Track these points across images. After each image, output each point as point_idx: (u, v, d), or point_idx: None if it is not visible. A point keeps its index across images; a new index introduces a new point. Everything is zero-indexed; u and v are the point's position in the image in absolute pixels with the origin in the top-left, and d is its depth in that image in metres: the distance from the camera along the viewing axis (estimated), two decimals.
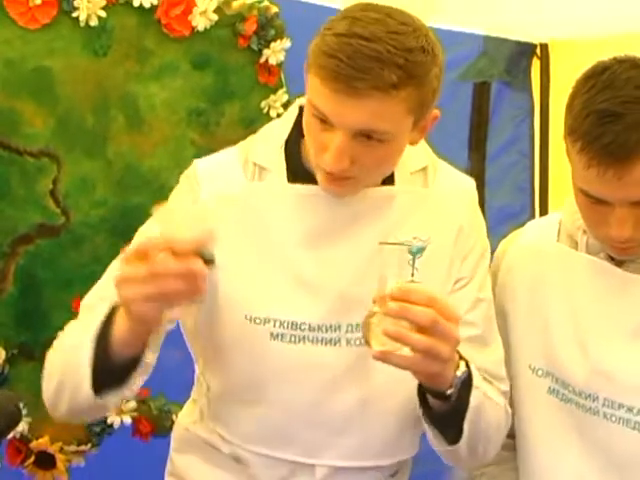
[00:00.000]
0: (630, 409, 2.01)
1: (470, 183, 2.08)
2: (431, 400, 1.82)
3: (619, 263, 2.04)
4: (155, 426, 3.08)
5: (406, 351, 1.67)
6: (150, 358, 1.81)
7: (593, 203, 1.94)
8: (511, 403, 2.14)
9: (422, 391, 1.83)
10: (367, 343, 1.71)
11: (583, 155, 1.87)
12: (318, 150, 1.83)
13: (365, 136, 1.79)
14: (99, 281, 1.97)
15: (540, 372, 2.13)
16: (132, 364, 1.74)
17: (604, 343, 2.04)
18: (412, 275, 1.88)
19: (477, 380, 1.84)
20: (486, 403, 1.87)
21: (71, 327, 1.89)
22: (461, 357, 1.79)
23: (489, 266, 2.11)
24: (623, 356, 2.02)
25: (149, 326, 1.68)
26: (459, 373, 1.77)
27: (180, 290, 1.57)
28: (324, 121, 1.80)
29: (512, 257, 2.22)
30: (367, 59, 1.72)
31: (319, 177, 1.88)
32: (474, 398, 1.82)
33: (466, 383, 1.80)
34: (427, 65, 1.78)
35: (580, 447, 2.08)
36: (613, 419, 2.02)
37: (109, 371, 1.72)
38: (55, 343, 1.88)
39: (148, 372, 1.84)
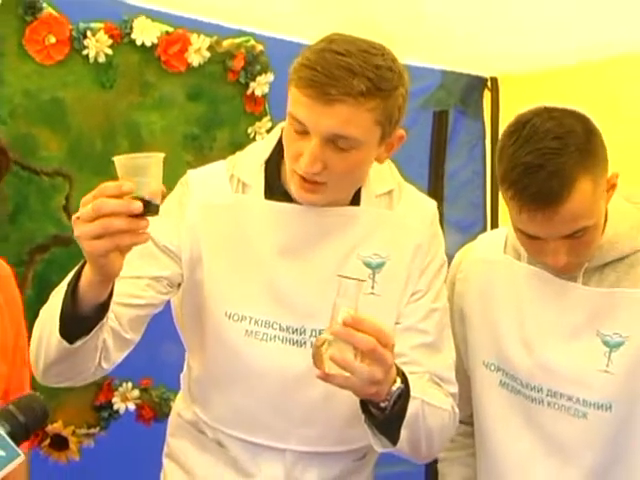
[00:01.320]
0: (570, 398, 2.01)
1: (432, 205, 2.07)
2: (371, 409, 1.79)
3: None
4: (156, 412, 3.07)
5: (348, 375, 1.67)
6: (130, 335, 1.83)
7: (529, 238, 1.96)
8: (469, 394, 2.17)
9: (363, 400, 1.81)
10: (315, 365, 1.69)
11: (515, 202, 1.89)
12: (294, 158, 1.84)
13: (336, 142, 1.79)
14: None
15: (492, 367, 2.13)
16: (99, 314, 1.69)
17: (545, 341, 2.05)
18: (372, 288, 1.92)
19: (415, 391, 1.80)
20: (426, 410, 1.85)
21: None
22: (398, 373, 1.77)
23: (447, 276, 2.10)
24: (562, 352, 2.03)
25: (105, 269, 1.60)
26: (394, 388, 1.75)
27: (122, 228, 1.53)
28: (301, 132, 1.81)
29: (467, 267, 2.22)
30: (340, 69, 1.74)
31: (294, 186, 1.87)
32: (412, 407, 1.79)
33: (403, 395, 1.77)
34: (393, 82, 1.80)
35: (528, 432, 2.08)
36: (556, 407, 2.03)
37: (78, 318, 1.66)
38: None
39: (129, 346, 1.85)
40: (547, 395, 2.05)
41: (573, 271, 2.01)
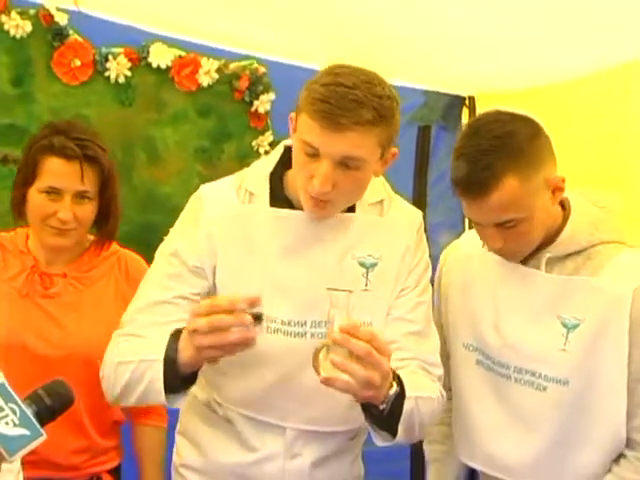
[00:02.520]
0: (533, 374, 2.03)
1: (417, 213, 2.09)
2: (371, 410, 1.79)
3: (524, 261, 2.07)
4: None
5: (346, 378, 1.66)
6: None
7: (476, 225, 2.03)
8: (449, 373, 2.17)
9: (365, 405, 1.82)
10: (316, 370, 1.70)
11: (456, 192, 1.97)
12: (306, 179, 1.85)
13: (345, 164, 1.81)
14: (141, 288, 1.99)
15: (470, 348, 2.15)
16: (193, 378, 1.82)
17: (512, 323, 2.07)
18: (366, 285, 1.93)
19: (409, 390, 1.81)
20: (419, 404, 1.84)
21: (129, 337, 1.92)
22: (394, 377, 1.77)
23: (433, 270, 2.11)
24: (526, 333, 2.04)
25: (208, 361, 1.76)
26: (391, 392, 1.75)
27: (234, 340, 1.66)
28: (312, 155, 1.82)
29: (451, 261, 2.25)
30: (350, 102, 1.77)
31: (305, 203, 1.89)
32: (407, 405, 1.79)
33: (400, 396, 1.78)
34: (393, 109, 1.83)
35: (498, 405, 2.10)
36: (521, 382, 2.04)
37: (177, 383, 1.79)
38: (114, 348, 1.92)
39: None
40: (514, 371, 2.06)
41: (516, 258, 2.05)
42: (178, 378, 1.78)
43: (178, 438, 2.13)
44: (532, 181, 1.94)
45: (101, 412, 2.33)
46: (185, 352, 1.74)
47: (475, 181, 1.92)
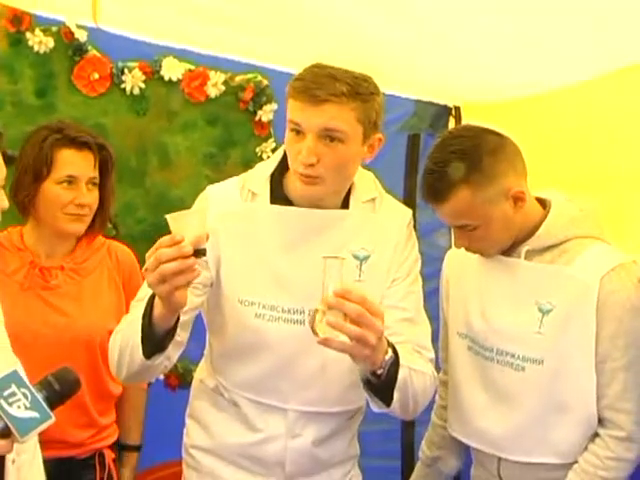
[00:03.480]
0: (513, 355, 2.06)
1: (407, 211, 2.10)
2: (369, 376, 1.80)
3: (506, 253, 2.10)
4: (180, 380, 3.11)
5: (343, 338, 1.66)
6: (182, 336, 1.87)
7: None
8: (446, 360, 2.23)
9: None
10: (313, 332, 1.69)
11: (421, 196, 2.07)
12: (295, 157, 1.88)
13: (328, 136, 1.84)
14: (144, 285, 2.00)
15: (463, 335, 2.18)
16: (169, 336, 1.79)
17: (495, 309, 2.10)
18: (359, 276, 1.95)
19: (403, 360, 1.81)
20: (412, 375, 1.85)
21: (124, 318, 1.93)
22: (389, 345, 1.78)
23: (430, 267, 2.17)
24: (508, 317, 2.08)
25: (172, 306, 1.70)
26: (387, 357, 1.75)
27: (175, 270, 1.60)
28: (298, 132, 1.86)
29: (450, 260, 2.30)
30: (324, 77, 1.82)
31: (298, 183, 1.90)
32: (401, 373, 1.80)
33: (395, 363, 1.79)
34: (369, 89, 1.87)
35: (483, 385, 2.13)
36: (503, 363, 2.07)
37: (154, 341, 1.76)
38: (115, 329, 1.92)
39: (182, 347, 1.90)
40: (496, 354, 2.09)
41: (487, 255, 2.11)
42: (155, 333, 1.75)
43: (188, 421, 2.14)
44: (486, 193, 1.98)
45: (101, 391, 2.38)
46: (157, 307, 1.73)
47: (432, 191, 2.01)
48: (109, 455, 2.44)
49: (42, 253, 2.35)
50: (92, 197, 2.31)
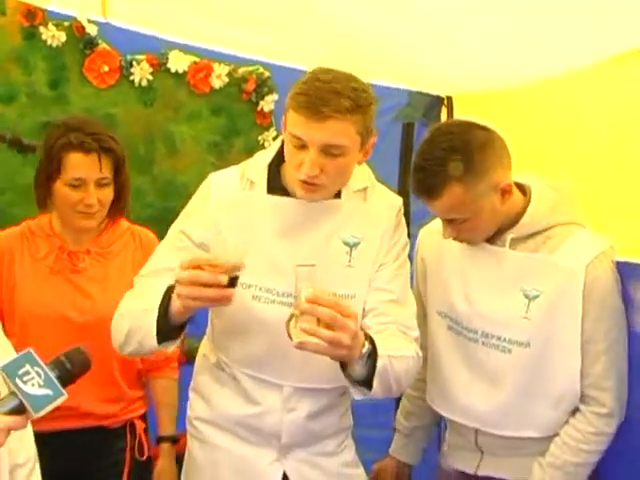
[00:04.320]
0: (499, 338, 2.04)
1: (397, 199, 2.08)
2: (349, 370, 1.81)
3: (490, 241, 2.08)
4: (186, 357, 3.10)
5: (316, 341, 1.67)
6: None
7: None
8: (426, 335, 2.19)
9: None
10: (289, 337, 1.70)
11: (413, 191, 2.03)
12: (295, 167, 1.86)
13: (329, 152, 1.82)
14: (153, 255, 2.02)
15: (443, 315, 2.16)
16: (183, 327, 1.82)
17: (481, 294, 2.08)
18: (349, 262, 1.94)
19: (382, 349, 1.80)
20: (392, 361, 1.83)
21: (135, 293, 1.94)
22: (366, 337, 1.78)
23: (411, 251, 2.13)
24: (493, 303, 2.06)
25: (192, 312, 1.77)
26: (364, 350, 1.75)
27: (209, 296, 1.67)
28: (299, 146, 1.83)
29: (426, 241, 2.26)
30: (328, 93, 1.78)
31: (297, 188, 1.89)
32: (380, 362, 1.79)
33: (373, 354, 1.78)
34: (368, 100, 1.83)
35: (467, 364, 2.11)
36: (488, 345, 2.06)
37: (167, 331, 1.79)
38: (122, 303, 1.93)
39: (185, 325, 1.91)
40: (481, 336, 2.07)
41: (473, 244, 2.08)
42: (169, 325, 1.78)
43: (192, 395, 2.14)
44: (477, 188, 1.96)
45: (129, 365, 2.39)
46: (175, 302, 1.75)
47: (424, 188, 1.97)
48: (140, 425, 2.45)
49: (69, 239, 2.37)
50: (103, 194, 2.31)
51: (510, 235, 2.04)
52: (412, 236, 2.16)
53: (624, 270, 2.02)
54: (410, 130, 3.45)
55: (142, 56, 2.97)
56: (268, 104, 3.14)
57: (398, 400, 2.52)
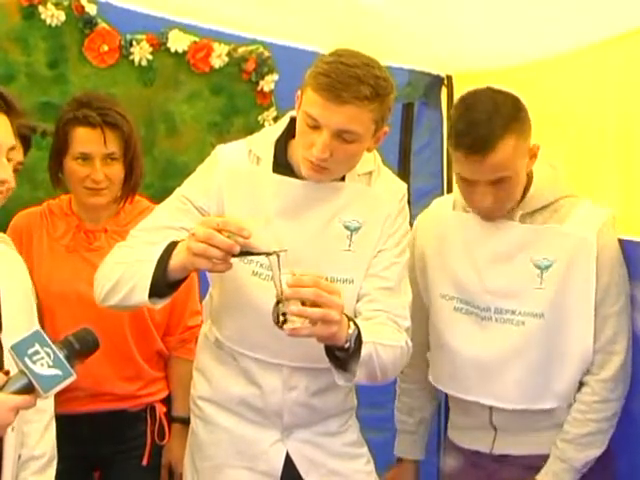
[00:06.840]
0: (513, 312, 2.07)
1: (402, 186, 2.07)
2: (336, 352, 1.82)
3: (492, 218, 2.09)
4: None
5: (307, 325, 1.68)
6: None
7: (464, 182, 2.03)
8: (427, 319, 2.21)
9: (329, 348, 1.83)
10: (279, 327, 1.70)
11: (456, 151, 1.98)
12: (307, 147, 1.86)
13: (341, 137, 1.82)
14: (152, 214, 2.02)
15: (447, 297, 2.17)
16: (177, 285, 1.81)
17: (491, 270, 2.10)
18: (349, 246, 1.94)
19: (368, 336, 1.81)
20: (379, 349, 1.83)
21: (129, 245, 1.93)
22: (349, 320, 1.78)
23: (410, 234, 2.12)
24: (504, 278, 2.08)
25: (193, 269, 1.76)
26: (350, 331, 1.76)
27: (214, 255, 1.66)
28: (313, 126, 1.83)
29: (424, 224, 2.27)
30: (350, 78, 1.77)
31: (304, 168, 1.89)
32: (365, 349, 1.79)
33: (358, 340, 1.79)
34: (387, 89, 1.83)
35: (481, 344, 2.11)
36: (501, 321, 2.08)
37: (161, 287, 1.77)
38: (114, 253, 1.92)
39: None
40: (494, 313, 2.09)
41: (496, 217, 2.07)
42: (165, 279, 1.76)
43: (194, 373, 2.15)
44: (524, 144, 1.98)
45: (146, 342, 2.41)
46: (177, 256, 1.74)
47: (479, 142, 1.92)
48: (160, 409, 2.47)
49: (86, 218, 2.39)
50: (111, 171, 2.32)
51: (519, 212, 2.07)
52: (412, 217, 2.16)
53: (627, 247, 2.07)
54: (410, 111, 3.44)
55: (142, 36, 2.95)
56: (268, 84, 3.13)
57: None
